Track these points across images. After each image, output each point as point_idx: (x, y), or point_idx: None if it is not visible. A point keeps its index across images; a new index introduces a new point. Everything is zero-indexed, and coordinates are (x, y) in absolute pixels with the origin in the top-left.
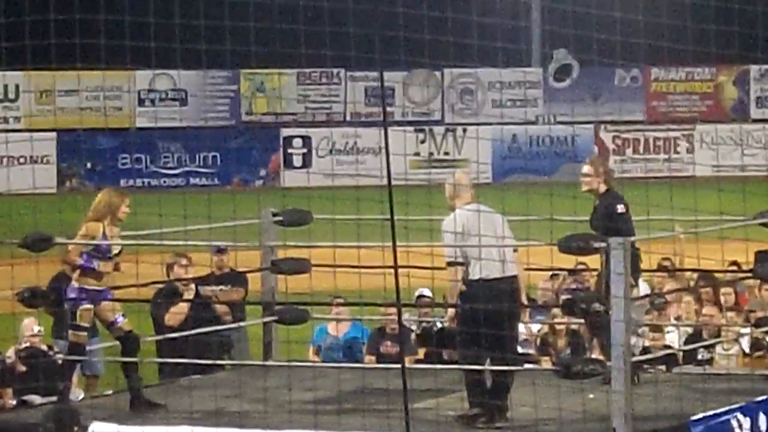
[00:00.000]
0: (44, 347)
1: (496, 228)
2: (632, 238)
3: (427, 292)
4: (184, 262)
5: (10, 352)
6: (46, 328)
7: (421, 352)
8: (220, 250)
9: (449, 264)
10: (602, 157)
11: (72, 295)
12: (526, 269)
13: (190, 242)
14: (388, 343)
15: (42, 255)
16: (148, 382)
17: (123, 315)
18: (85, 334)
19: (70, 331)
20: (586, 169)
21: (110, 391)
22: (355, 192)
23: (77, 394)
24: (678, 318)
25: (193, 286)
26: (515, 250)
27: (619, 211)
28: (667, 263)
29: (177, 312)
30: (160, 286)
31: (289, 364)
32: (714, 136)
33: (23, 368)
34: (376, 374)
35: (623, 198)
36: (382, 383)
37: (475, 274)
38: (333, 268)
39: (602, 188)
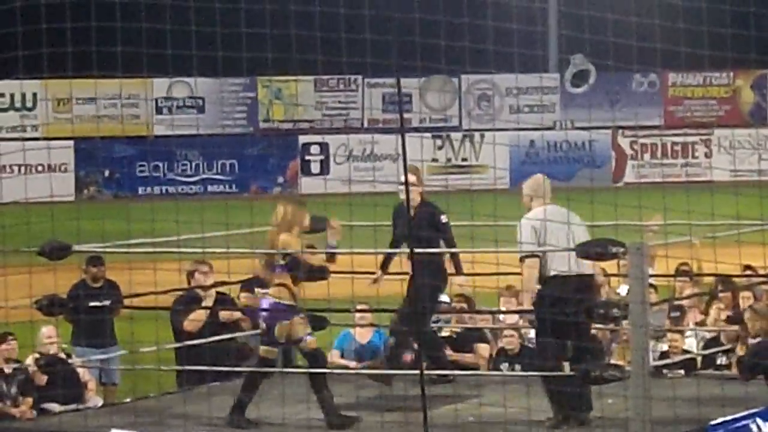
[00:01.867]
0: (63, 355)
1: (574, 228)
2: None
3: (444, 298)
4: (204, 269)
5: (29, 360)
6: (64, 336)
7: None
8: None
9: (525, 258)
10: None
11: (267, 309)
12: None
13: (207, 249)
14: (409, 355)
15: (60, 263)
16: (167, 389)
17: (310, 333)
18: (276, 350)
19: (262, 347)
20: (413, 178)
21: (129, 399)
22: (372, 198)
23: (96, 401)
24: (698, 323)
25: (213, 292)
26: None
27: (443, 220)
28: (686, 268)
29: (195, 318)
30: (180, 293)
31: (308, 371)
32: (732, 140)
33: (43, 377)
34: (395, 380)
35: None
36: (401, 389)
37: (559, 270)
38: (351, 275)
39: (418, 198)
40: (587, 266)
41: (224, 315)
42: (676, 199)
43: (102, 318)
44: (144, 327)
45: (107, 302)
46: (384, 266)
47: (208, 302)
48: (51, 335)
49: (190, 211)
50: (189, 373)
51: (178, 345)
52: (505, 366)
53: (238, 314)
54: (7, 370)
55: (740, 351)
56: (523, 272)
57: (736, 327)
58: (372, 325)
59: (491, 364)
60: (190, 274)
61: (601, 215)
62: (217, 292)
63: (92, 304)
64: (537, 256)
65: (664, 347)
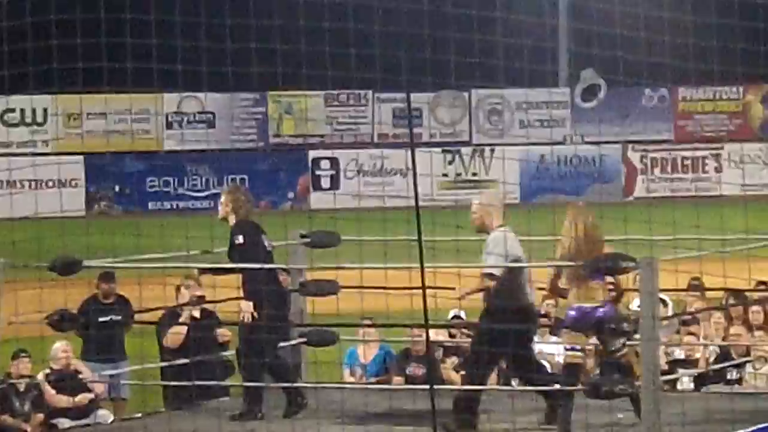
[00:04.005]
0: (77, 369)
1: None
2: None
3: (461, 314)
4: (190, 283)
5: (40, 376)
6: (75, 351)
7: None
8: None
9: (490, 277)
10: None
11: (572, 315)
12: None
13: (217, 265)
14: (414, 364)
15: (70, 278)
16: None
17: None
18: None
19: (569, 353)
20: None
21: (139, 414)
22: (382, 213)
23: (107, 417)
24: (706, 337)
25: (192, 308)
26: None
27: (238, 242)
28: (696, 282)
29: (174, 333)
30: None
31: (317, 385)
32: (742, 155)
33: (53, 392)
34: (404, 396)
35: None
36: (410, 404)
37: (520, 299)
38: (360, 290)
39: (232, 219)
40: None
41: (222, 333)
42: (686, 214)
43: (112, 333)
44: (154, 342)
45: (118, 318)
46: None
47: (185, 318)
48: (65, 350)
49: (200, 226)
50: (174, 392)
51: (185, 361)
52: (515, 381)
53: (228, 333)
54: (21, 386)
55: None
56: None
57: (748, 342)
58: (381, 340)
59: (501, 378)
60: (177, 290)
61: (612, 230)
62: (202, 309)
63: (102, 319)
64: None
65: (680, 354)
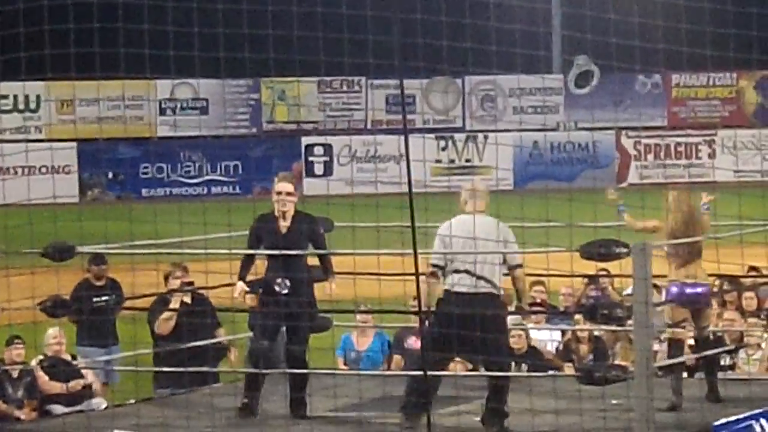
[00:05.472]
0: (68, 356)
1: (487, 240)
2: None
3: None
4: (178, 273)
5: (33, 363)
6: (70, 337)
7: None
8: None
9: (433, 266)
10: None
11: (675, 291)
12: (548, 275)
13: (210, 251)
14: (414, 337)
15: (63, 265)
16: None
17: None
18: None
19: (670, 329)
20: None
21: (132, 401)
22: (375, 200)
23: (101, 404)
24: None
25: (182, 295)
26: (519, 265)
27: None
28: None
29: (165, 319)
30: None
31: (310, 371)
32: (735, 141)
33: (46, 378)
34: (398, 381)
35: None
36: (404, 390)
37: (448, 285)
38: (353, 276)
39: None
40: (486, 285)
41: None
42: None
43: (105, 317)
44: (146, 328)
45: (110, 300)
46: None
47: (175, 304)
48: (57, 337)
49: (193, 212)
50: (163, 379)
51: (176, 347)
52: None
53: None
54: (14, 373)
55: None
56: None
57: (742, 327)
58: (376, 326)
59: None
60: (166, 277)
61: (603, 216)
62: (193, 294)
63: (96, 301)
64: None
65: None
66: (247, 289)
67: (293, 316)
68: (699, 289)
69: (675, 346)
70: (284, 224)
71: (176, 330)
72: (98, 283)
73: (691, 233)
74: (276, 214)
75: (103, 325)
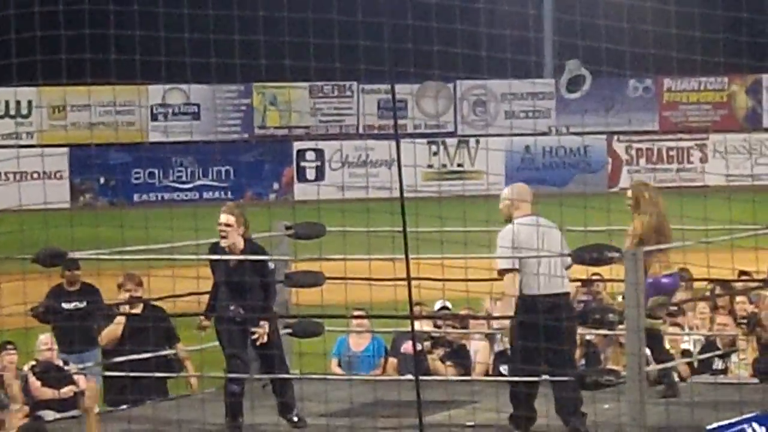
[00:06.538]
0: (59, 362)
1: (551, 242)
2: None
3: (448, 305)
4: (129, 286)
5: (25, 368)
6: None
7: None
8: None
9: (503, 272)
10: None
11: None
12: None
13: (201, 256)
14: (410, 342)
15: (53, 270)
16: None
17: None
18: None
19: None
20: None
21: (125, 406)
22: (367, 204)
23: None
24: (692, 328)
25: (127, 307)
26: (568, 267)
27: (270, 267)
28: (684, 273)
29: (107, 335)
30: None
31: (302, 377)
32: (727, 145)
33: (38, 384)
34: (390, 386)
35: None
36: (396, 395)
37: (531, 289)
38: (344, 281)
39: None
40: (566, 284)
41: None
42: (670, 204)
43: (78, 322)
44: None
45: (82, 306)
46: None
47: (122, 318)
48: (45, 343)
49: (185, 217)
50: (112, 392)
51: (154, 355)
52: (505, 368)
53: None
54: (6, 379)
55: (751, 354)
56: (505, 286)
57: (734, 332)
58: (371, 331)
59: (491, 367)
60: (119, 287)
61: (594, 221)
62: (146, 306)
63: (67, 307)
64: (517, 270)
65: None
66: (207, 323)
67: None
68: (670, 279)
69: (654, 336)
70: (233, 260)
71: (122, 342)
72: (71, 289)
73: (661, 237)
74: (221, 244)
75: (77, 330)
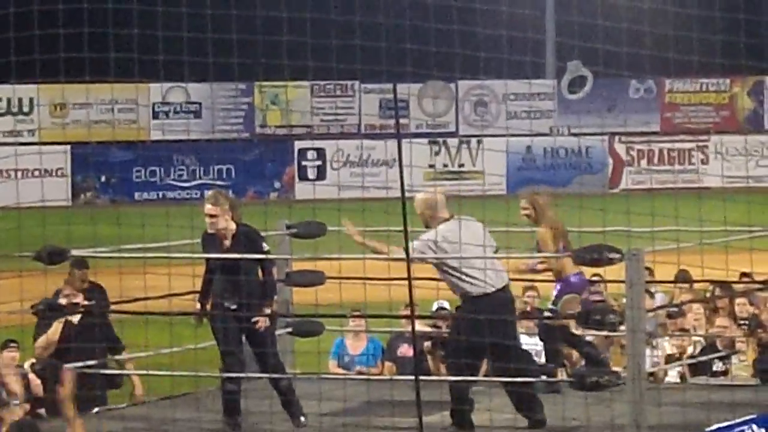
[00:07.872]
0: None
1: (477, 239)
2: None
3: (446, 305)
4: (67, 291)
5: (26, 366)
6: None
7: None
8: None
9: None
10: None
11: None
12: (540, 281)
13: (198, 255)
14: (406, 345)
15: (54, 268)
16: (159, 394)
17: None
18: None
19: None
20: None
21: (123, 405)
22: (368, 204)
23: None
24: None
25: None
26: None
27: (265, 248)
28: (684, 275)
29: (41, 344)
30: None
31: (300, 376)
32: (728, 146)
33: (38, 381)
34: (390, 386)
35: None
36: (395, 395)
37: (481, 288)
38: (344, 281)
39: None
40: (504, 276)
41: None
42: (671, 206)
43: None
44: (135, 332)
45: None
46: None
47: (56, 327)
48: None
49: (186, 216)
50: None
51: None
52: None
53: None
54: (7, 377)
55: (751, 355)
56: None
57: (735, 333)
58: (369, 331)
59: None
60: (56, 293)
61: (594, 221)
62: (85, 314)
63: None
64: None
65: (668, 350)
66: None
67: (251, 325)
68: (577, 278)
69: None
70: (226, 243)
71: (58, 352)
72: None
73: (564, 239)
74: (209, 231)
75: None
